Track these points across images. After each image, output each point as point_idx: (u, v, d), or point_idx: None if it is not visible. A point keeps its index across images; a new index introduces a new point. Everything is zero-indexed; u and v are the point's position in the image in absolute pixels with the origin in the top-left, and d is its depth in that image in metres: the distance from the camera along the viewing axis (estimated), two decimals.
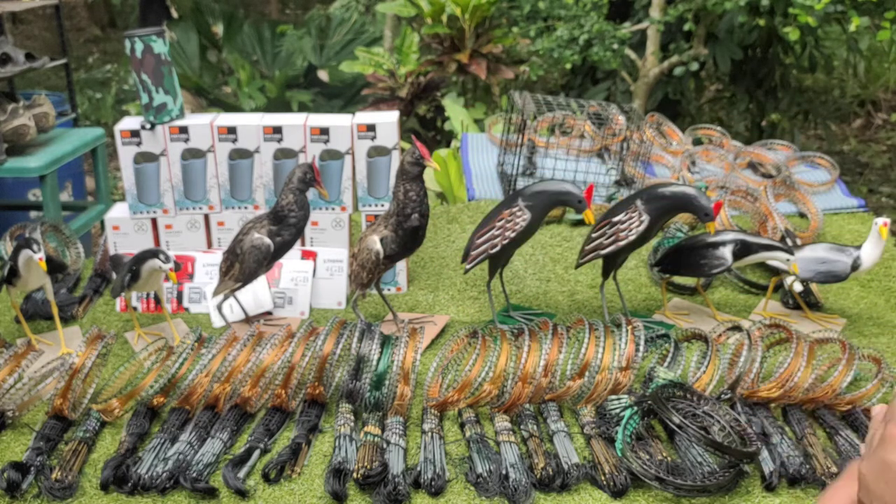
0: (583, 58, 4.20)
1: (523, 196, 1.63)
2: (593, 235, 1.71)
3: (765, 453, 1.31)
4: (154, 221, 1.94)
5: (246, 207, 1.93)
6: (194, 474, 1.28)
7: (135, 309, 1.86)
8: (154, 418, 1.45)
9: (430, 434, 1.37)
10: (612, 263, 1.74)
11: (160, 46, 1.85)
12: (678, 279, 1.93)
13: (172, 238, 1.95)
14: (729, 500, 1.25)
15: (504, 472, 1.28)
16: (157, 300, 1.85)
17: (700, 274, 1.74)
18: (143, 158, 1.89)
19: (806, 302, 1.83)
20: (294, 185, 1.66)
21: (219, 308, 1.74)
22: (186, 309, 1.87)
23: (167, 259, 1.62)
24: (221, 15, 6.65)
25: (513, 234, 1.63)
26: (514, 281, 1.99)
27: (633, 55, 4.50)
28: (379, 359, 1.47)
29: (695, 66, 4.25)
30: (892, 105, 6.21)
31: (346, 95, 6.04)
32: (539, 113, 2.67)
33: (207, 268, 1.90)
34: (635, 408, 1.36)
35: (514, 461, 1.29)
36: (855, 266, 1.71)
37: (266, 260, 1.67)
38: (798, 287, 1.83)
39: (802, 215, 2.29)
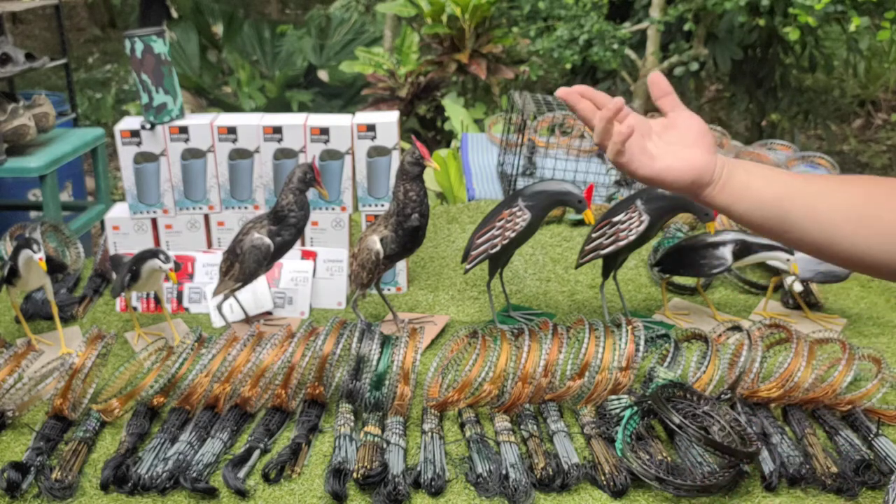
0: (583, 58, 4.20)
1: (523, 196, 1.64)
2: (593, 235, 1.71)
3: (765, 453, 1.31)
4: (154, 221, 1.94)
5: (246, 207, 1.93)
6: (194, 474, 1.28)
7: (135, 309, 1.86)
8: (154, 418, 1.45)
9: (430, 434, 1.37)
10: (612, 263, 1.74)
11: (160, 46, 1.85)
12: (678, 279, 1.93)
13: (172, 238, 1.95)
14: (729, 500, 1.25)
15: (504, 472, 1.28)
16: (157, 300, 1.85)
17: (700, 274, 1.74)
18: (143, 158, 1.89)
19: (806, 302, 1.83)
20: (294, 185, 1.66)
21: (219, 308, 1.73)
22: (186, 309, 1.87)
23: (167, 259, 1.62)
24: (221, 15, 6.65)
25: (513, 234, 1.63)
26: (514, 281, 1.99)
27: (633, 55, 4.50)
28: (379, 359, 1.47)
29: (695, 66, 4.25)
30: (892, 105, 6.21)
31: (346, 95, 6.04)
32: (539, 113, 2.67)
33: (207, 268, 1.90)
34: (635, 408, 1.36)
35: (514, 461, 1.29)
36: None
37: (266, 260, 1.67)
38: (798, 287, 1.83)
39: None
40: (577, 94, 1.03)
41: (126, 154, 1.88)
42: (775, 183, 0.95)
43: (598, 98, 1.02)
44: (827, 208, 0.91)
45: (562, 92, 1.04)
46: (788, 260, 1.70)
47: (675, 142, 1.00)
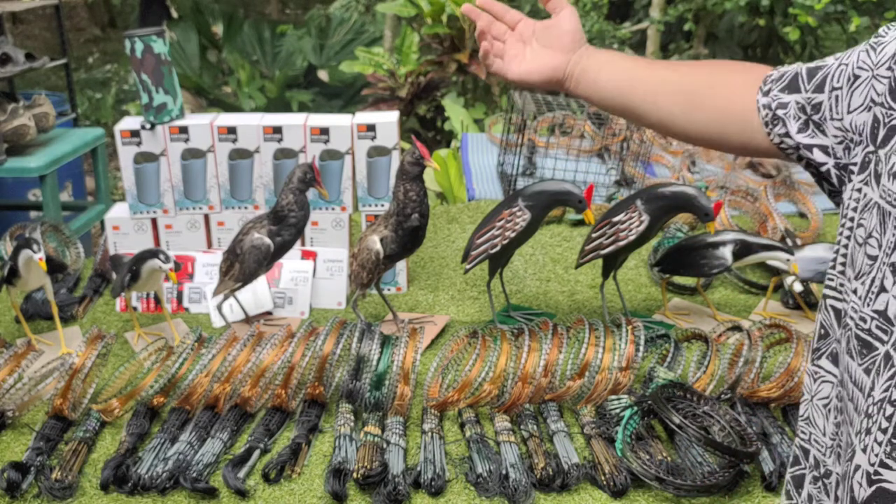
0: None
1: (523, 196, 1.64)
2: (593, 235, 1.71)
3: (765, 453, 1.31)
4: (154, 221, 1.94)
5: (246, 207, 1.93)
6: (194, 474, 1.28)
7: (135, 309, 1.86)
8: (154, 418, 1.45)
9: (430, 434, 1.37)
10: (612, 263, 1.74)
11: (160, 46, 1.85)
12: (678, 279, 1.93)
13: (172, 238, 1.95)
14: (729, 500, 1.25)
15: (504, 472, 1.28)
16: (157, 300, 1.85)
17: (700, 274, 1.74)
18: (143, 158, 1.89)
19: (806, 302, 1.83)
20: (294, 185, 1.66)
21: (219, 308, 1.74)
22: (186, 309, 1.87)
23: (167, 259, 1.62)
24: (221, 15, 6.66)
25: (513, 234, 1.63)
26: (514, 281, 1.99)
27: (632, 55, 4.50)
28: (379, 359, 1.47)
29: None
30: None
31: (346, 95, 6.05)
32: (539, 113, 2.67)
33: (207, 268, 1.90)
34: (635, 408, 1.36)
35: (514, 461, 1.29)
36: None
37: (266, 260, 1.67)
38: (798, 287, 1.83)
39: (802, 215, 2.29)
40: (478, 11, 1.22)
41: (126, 154, 1.88)
42: (621, 76, 1.11)
43: (493, 9, 1.21)
44: (664, 96, 1.07)
45: (466, 8, 1.25)
46: (788, 260, 1.70)
47: (545, 43, 1.18)
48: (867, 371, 0.74)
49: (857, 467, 0.73)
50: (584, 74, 1.15)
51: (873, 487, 0.71)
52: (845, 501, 0.75)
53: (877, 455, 0.71)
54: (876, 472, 0.71)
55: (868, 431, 0.72)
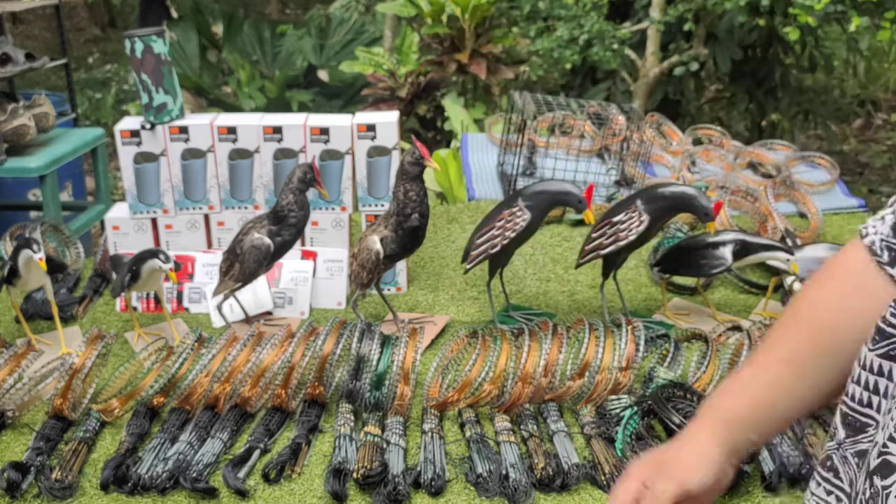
0: (583, 58, 4.21)
1: (523, 196, 1.64)
2: (593, 235, 1.71)
3: (765, 453, 1.31)
4: (154, 221, 1.94)
5: (246, 207, 1.93)
6: (194, 474, 1.28)
7: (135, 309, 1.86)
8: (154, 418, 1.45)
9: (430, 434, 1.37)
10: (612, 263, 1.74)
11: (160, 46, 1.85)
12: (678, 279, 1.93)
13: (172, 238, 1.95)
14: (729, 500, 1.25)
15: (504, 472, 1.28)
16: (157, 300, 1.85)
17: (700, 274, 1.74)
18: (143, 158, 1.89)
19: None
20: (294, 185, 1.66)
21: (219, 308, 1.74)
22: (186, 309, 1.87)
23: (167, 259, 1.62)
24: (221, 15, 6.66)
25: (513, 234, 1.63)
26: (514, 281, 1.99)
27: (633, 55, 4.50)
28: (379, 359, 1.47)
29: (695, 66, 4.26)
30: (892, 105, 6.21)
31: (346, 95, 6.04)
32: (539, 113, 2.67)
33: (207, 268, 1.90)
34: (635, 408, 1.36)
35: (514, 461, 1.29)
36: None
37: (266, 260, 1.67)
38: (798, 287, 1.83)
39: (802, 215, 2.29)
40: None
41: (126, 154, 1.88)
42: (769, 424, 0.93)
43: None
44: (812, 389, 0.92)
45: None
46: (788, 260, 1.70)
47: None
48: (888, 356, 0.75)
49: (875, 444, 0.75)
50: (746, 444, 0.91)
51: (880, 459, 0.73)
52: (861, 476, 0.77)
53: (890, 430, 0.73)
54: (885, 445, 0.73)
55: (889, 411, 0.74)
